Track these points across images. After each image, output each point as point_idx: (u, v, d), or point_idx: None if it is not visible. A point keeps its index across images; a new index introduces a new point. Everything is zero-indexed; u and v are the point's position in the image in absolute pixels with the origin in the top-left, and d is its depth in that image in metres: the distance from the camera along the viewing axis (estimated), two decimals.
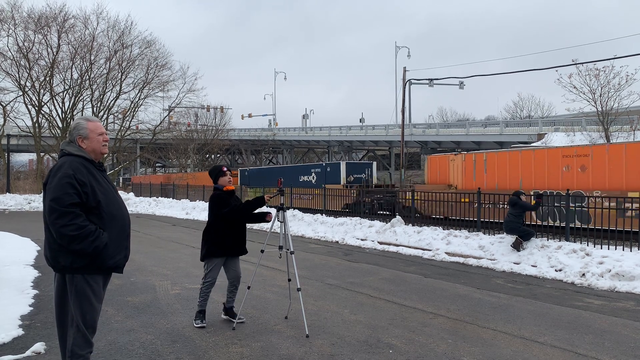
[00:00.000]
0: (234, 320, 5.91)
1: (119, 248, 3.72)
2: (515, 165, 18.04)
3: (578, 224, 12.27)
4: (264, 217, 5.99)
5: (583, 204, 12.64)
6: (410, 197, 15.48)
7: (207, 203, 6.17)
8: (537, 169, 17.31)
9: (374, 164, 28.62)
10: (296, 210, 18.99)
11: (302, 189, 22.67)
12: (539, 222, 13.20)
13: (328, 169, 26.97)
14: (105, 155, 3.93)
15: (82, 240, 3.46)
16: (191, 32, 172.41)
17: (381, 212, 17.64)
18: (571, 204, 11.69)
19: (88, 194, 3.53)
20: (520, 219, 11.02)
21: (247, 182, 32.46)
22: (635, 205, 11.92)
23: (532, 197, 11.89)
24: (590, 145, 17.08)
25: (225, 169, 6.04)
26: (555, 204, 12.60)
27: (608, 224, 10.75)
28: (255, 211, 5.95)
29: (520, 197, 11.21)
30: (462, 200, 14.72)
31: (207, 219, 6.05)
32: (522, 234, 10.81)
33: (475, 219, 13.29)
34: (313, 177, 28.00)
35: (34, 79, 37.91)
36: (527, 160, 17.69)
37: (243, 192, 26.16)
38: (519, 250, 10.68)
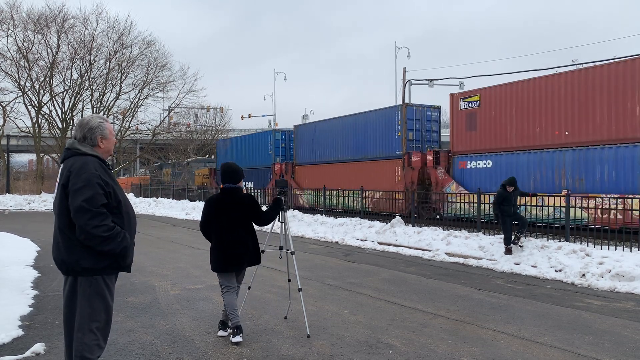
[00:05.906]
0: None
1: (133, 247, 3.74)
2: None
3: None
4: None
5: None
6: None
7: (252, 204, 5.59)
8: None
9: None
10: (296, 210, 19.07)
11: None
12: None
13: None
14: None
15: (112, 241, 3.45)
16: (197, 35, 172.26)
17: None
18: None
19: (111, 194, 3.52)
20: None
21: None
22: None
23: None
24: None
25: None
26: None
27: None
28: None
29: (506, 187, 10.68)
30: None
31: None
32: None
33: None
34: None
35: (33, 80, 37.98)
36: None
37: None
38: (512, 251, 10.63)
